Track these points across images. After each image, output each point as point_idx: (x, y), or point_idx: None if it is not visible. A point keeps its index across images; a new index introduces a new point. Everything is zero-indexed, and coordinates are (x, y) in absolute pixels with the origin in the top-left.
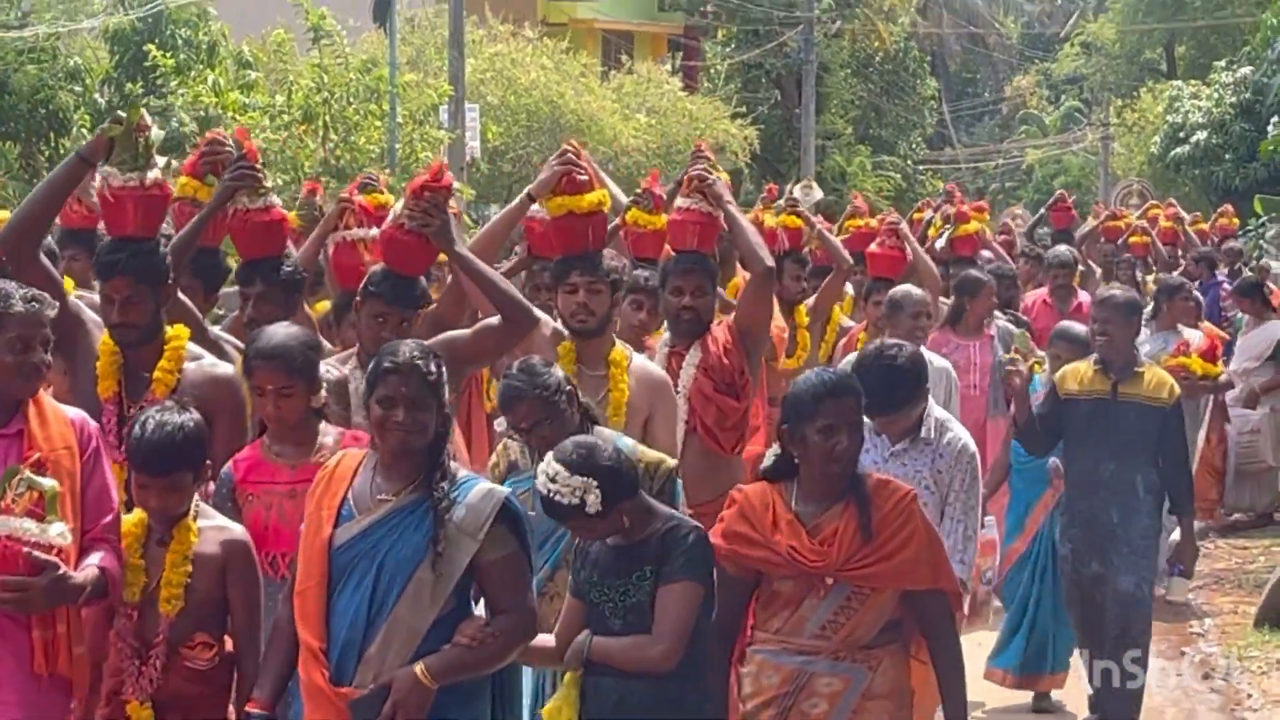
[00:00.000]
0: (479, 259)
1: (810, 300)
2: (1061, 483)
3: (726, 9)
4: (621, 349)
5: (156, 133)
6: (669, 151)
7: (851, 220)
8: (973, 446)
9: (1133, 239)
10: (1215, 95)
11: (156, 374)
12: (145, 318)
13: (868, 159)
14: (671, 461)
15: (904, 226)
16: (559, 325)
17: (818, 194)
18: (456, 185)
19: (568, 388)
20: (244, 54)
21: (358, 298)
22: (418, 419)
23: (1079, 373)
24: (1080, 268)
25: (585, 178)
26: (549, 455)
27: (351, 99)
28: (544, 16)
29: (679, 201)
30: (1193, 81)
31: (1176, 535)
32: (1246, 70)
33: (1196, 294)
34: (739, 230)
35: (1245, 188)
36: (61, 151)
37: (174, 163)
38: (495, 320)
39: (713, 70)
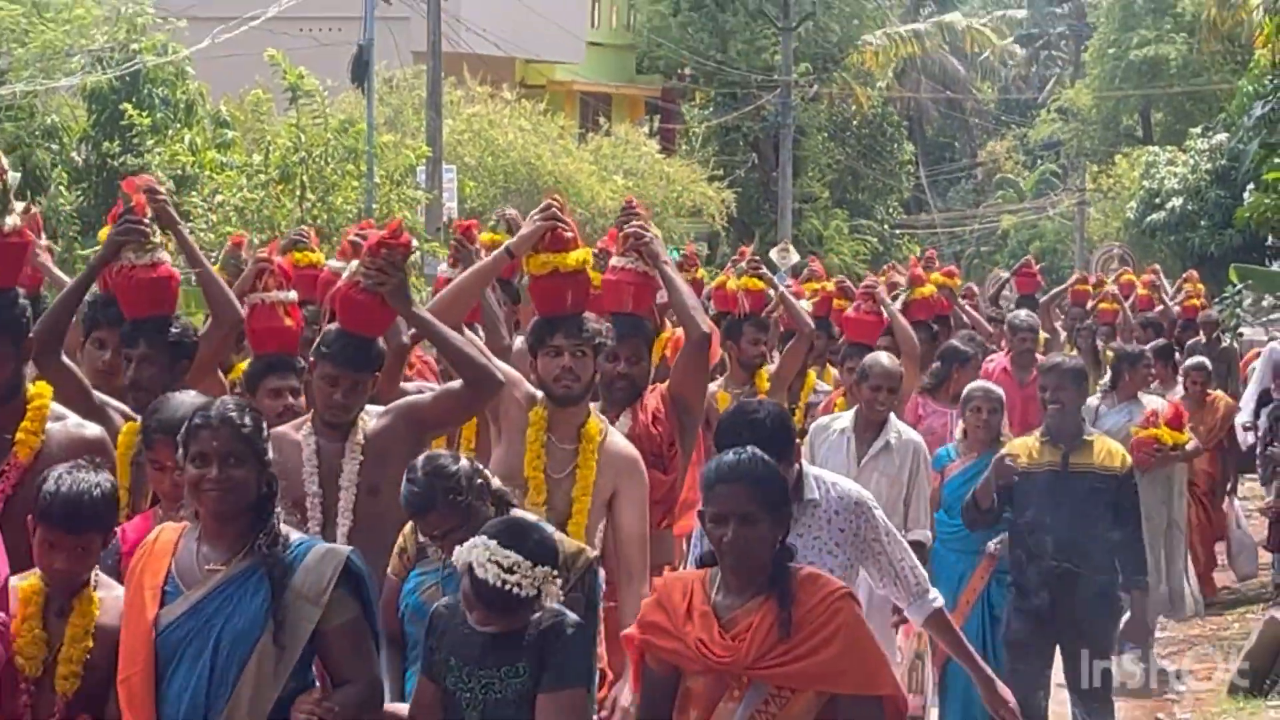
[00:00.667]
0: (446, 318)
1: (772, 366)
2: (993, 562)
3: (704, 72)
4: (596, 421)
5: (13, 175)
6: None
7: (809, 284)
8: (865, 494)
9: (1102, 304)
10: (1191, 162)
11: (19, 435)
12: (4, 374)
13: (844, 222)
14: (592, 552)
15: (881, 290)
16: (531, 389)
17: (794, 257)
18: (432, 245)
19: (479, 481)
20: (221, 113)
21: (311, 358)
22: (233, 475)
23: (1026, 446)
24: (1044, 334)
25: (571, 235)
26: (489, 541)
27: (329, 159)
28: (522, 78)
29: (614, 260)
30: (1169, 148)
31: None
32: (1222, 137)
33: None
34: (675, 292)
35: (1221, 254)
36: (39, 209)
37: (33, 208)
38: (457, 384)
39: (690, 133)
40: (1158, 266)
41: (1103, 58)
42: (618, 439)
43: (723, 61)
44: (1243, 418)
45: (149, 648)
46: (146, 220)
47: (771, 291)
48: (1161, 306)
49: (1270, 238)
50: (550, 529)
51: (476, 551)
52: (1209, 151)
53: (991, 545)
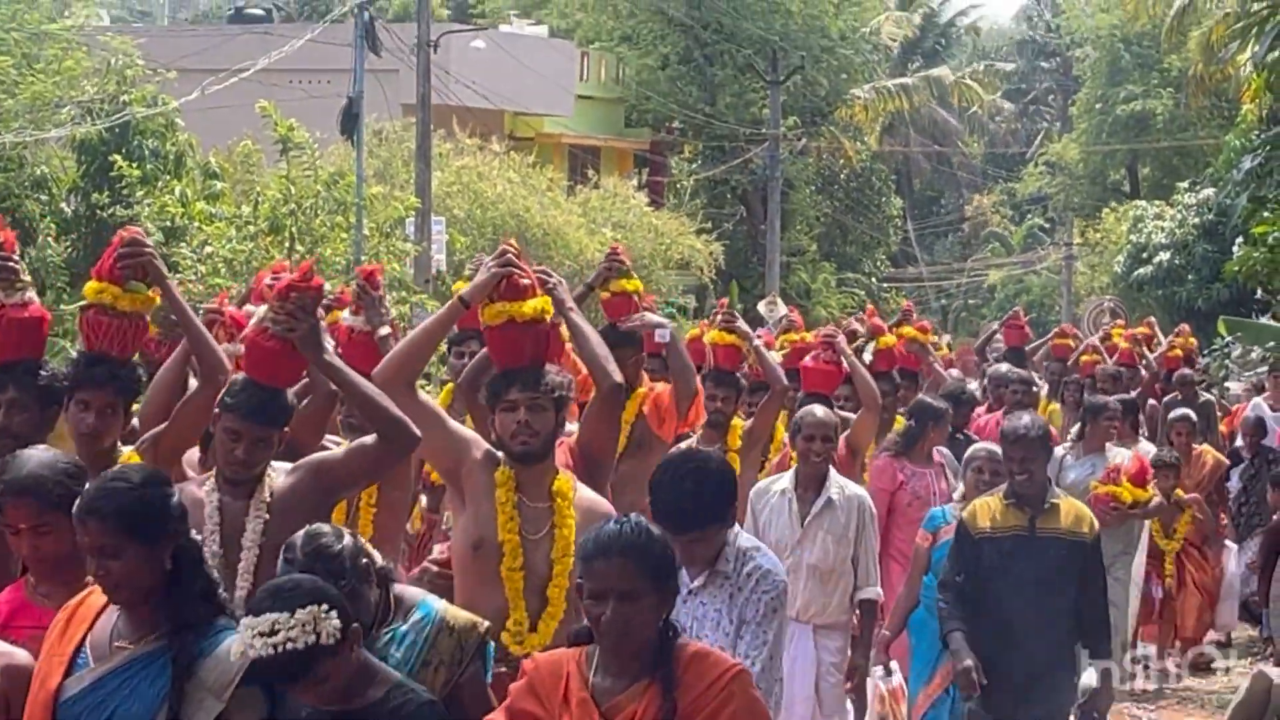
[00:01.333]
0: (400, 374)
1: (747, 423)
2: None
3: (693, 125)
4: (566, 477)
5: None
6: (635, 266)
7: (788, 335)
8: (779, 577)
9: (1084, 358)
10: (1178, 216)
11: None
12: None
13: (832, 275)
14: (485, 624)
15: (841, 340)
16: (491, 449)
17: (782, 310)
18: (420, 297)
19: (364, 560)
20: (211, 165)
21: (216, 409)
22: (111, 569)
23: (989, 508)
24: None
25: (527, 282)
26: (245, 619)
27: (318, 211)
28: (511, 130)
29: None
30: (1156, 202)
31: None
32: (1209, 192)
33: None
34: (582, 341)
35: (1208, 308)
36: (28, 260)
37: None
38: (370, 440)
39: (679, 185)
40: (1153, 319)
41: (1090, 112)
42: (588, 494)
43: (711, 115)
44: None
45: (47, 717)
46: (15, 258)
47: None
48: (1144, 360)
49: (1259, 291)
50: (342, 543)
51: (242, 636)
52: (1196, 206)
53: None
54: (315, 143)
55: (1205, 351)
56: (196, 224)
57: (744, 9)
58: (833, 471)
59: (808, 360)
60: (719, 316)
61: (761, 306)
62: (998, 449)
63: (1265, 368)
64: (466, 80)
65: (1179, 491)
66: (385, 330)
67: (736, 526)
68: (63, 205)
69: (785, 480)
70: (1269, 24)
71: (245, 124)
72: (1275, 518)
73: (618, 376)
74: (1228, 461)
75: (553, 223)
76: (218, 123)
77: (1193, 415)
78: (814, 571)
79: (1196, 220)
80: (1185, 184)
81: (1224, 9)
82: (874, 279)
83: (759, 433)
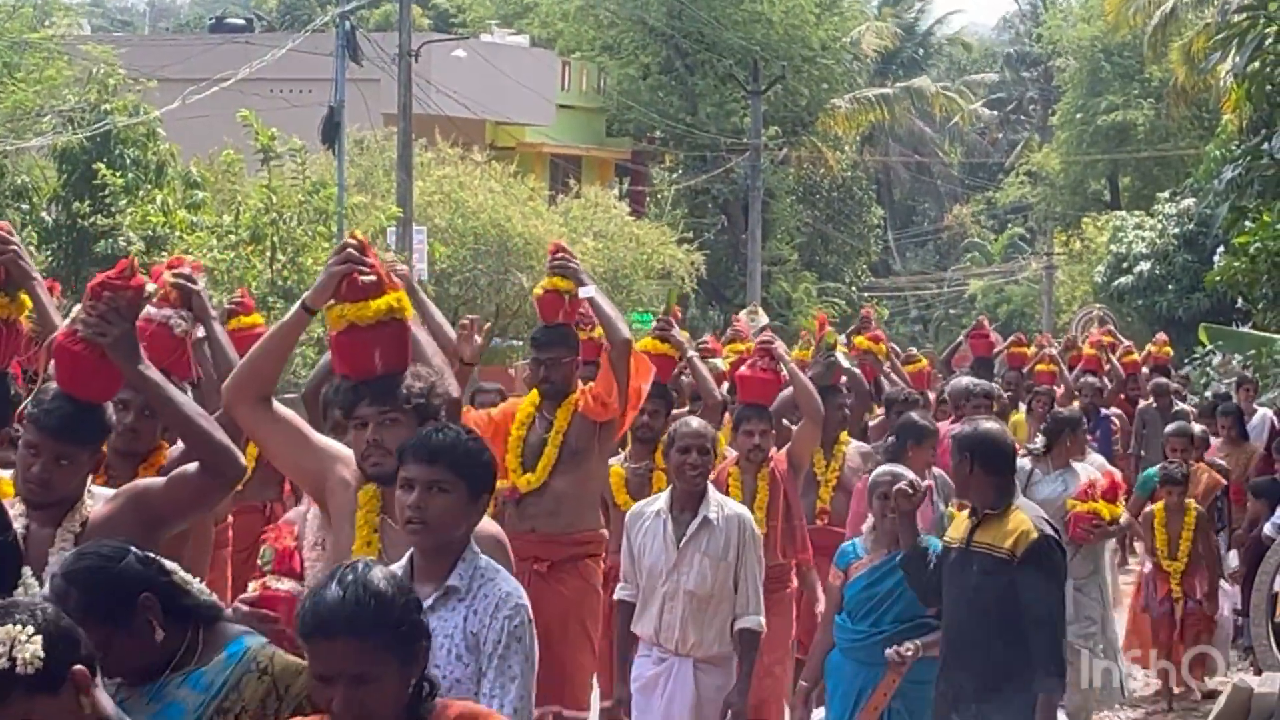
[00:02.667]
0: (248, 385)
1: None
2: (898, 675)
3: (674, 135)
4: None
5: None
6: (615, 275)
7: (733, 345)
8: (520, 600)
9: (1039, 366)
10: (1159, 226)
11: None
12: None
13: (813, 285)
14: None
15: (779, 347)
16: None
17: (763, 319)
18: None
19: (163, 578)
20: (192, 174)
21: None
22: None
23: (961, 518)
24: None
25: (372, 278)
26: None
27: (300, 220)
28: (492, 140)
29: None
30: (1136, 212)
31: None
32: (1190, 202)
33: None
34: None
35: (1189, 318)
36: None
37: None
38: (193, 468)
39: (660, 195)
40: (1111, 328)
41: (1071, 122)
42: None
43: (692, 124)
44: None
45: None
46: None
47: (713, 356)
48: (1110, 367)
49: (1240, 300)
50: (107, 574)
51: None
52: (1176, 216)
53: (893, 652)
54: (295, 152)
55: (1186, 360)
56: (178, 233)
57: (725, 19)
58: (711, 489)
59: (744, 369)
60: (655, 325)
61: (743, 315)
62: (903, 472)
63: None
64: (448, 90)
65: (1190, 501)
66: (202, 332)
67: (476, 546)
68: (44, 214)
69: (661, 500)
70: (1249, 35)
71: (226, 133)
72: (1257, 528)
73: (625, 333)
74: (1224, 481)
75: (534, 232)
76: (199, 132)
77: (1191, 429)
78: (691, 599)
79: (1177, 230)
80: (1166, 194)
81: (1204, 20)
82: (855, 288)
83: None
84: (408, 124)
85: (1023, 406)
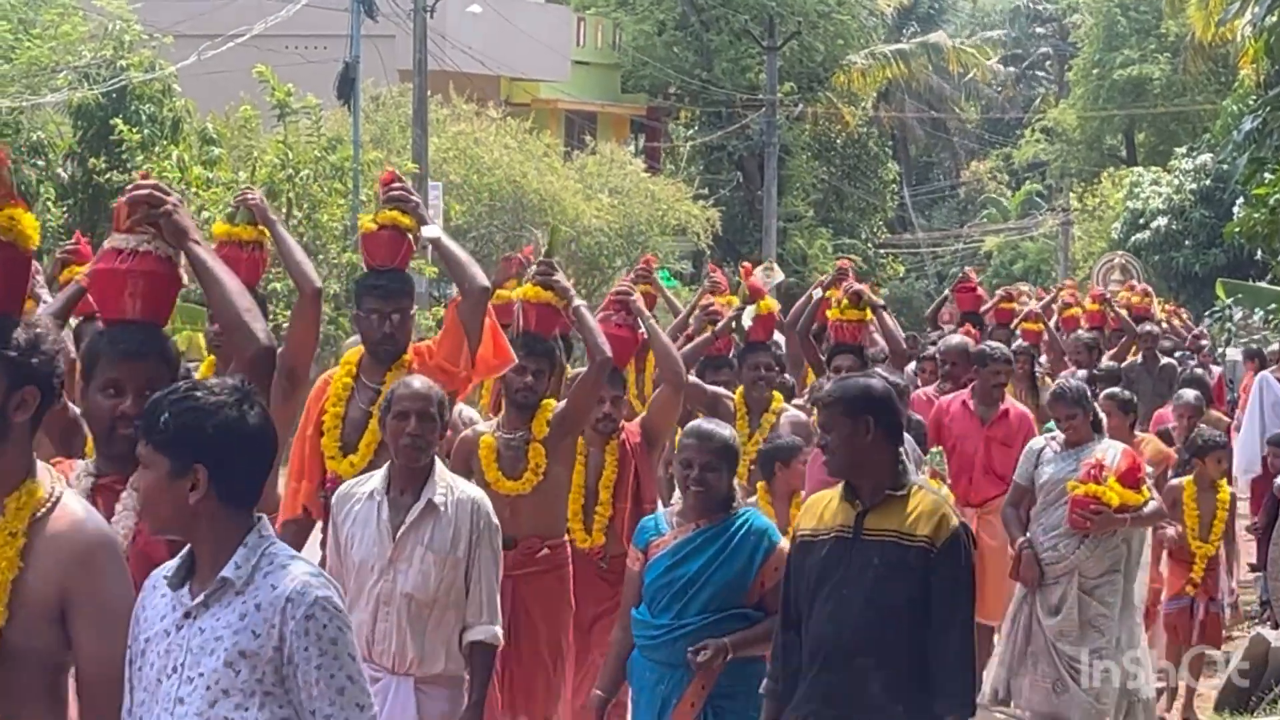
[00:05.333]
0: None
1: (560, 405)
2: (708, 681)
3: (689, 91)
4: (39, 485)
5: None
6: (631, 232)
7: (719, 298)
8: (321, 593)
9: (1025, 324)
10: (1175, 182)
11: None
12: None
13: (829, 241)
14: None
15: (637, 299)
16: None
17: (779, 276)
18: (418, 263)
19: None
20: (208, 130)
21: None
22: None
23: (821, 502)
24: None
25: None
26: None
27: (316, 176)
28: (507, 96)
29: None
30: (1153, 168)
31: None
32: (1206, 157)
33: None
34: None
35: (1205, 274)
36: None
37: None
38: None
39: (675, 151)
40: (1146, 287)
41: (1087, 77)
42: (75, 510)
43: (708, 80)
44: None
45: None
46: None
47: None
48: (1123, 322)
49: (1259, 253)
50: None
51: None
52: (1193, 171)
53: (691, 654)
54: (309, 109)
55: (1205, 314)
56: (194, 189)
57: None
58: (439, 465)
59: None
60: (533, 268)
61: (758, 272)
62: (719, 432)
63: (1267, 332)
64: (463, 45)
65: (1222, 483)
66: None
67: (268, 527)
68: (60, 171)
69: (376, 479)
70: None
71: (241, 89)
72: (1277, 480)
73: (265, 341)
74: (1173, 455)
75: (549, 189)
76: (214, 88)
77: (1196, 397)
78: (410, 603)
79: (1194, 186)
80: (1182, 149)
81: None
82: (870, 245)
83: (574, 417)
84: (423, 80)
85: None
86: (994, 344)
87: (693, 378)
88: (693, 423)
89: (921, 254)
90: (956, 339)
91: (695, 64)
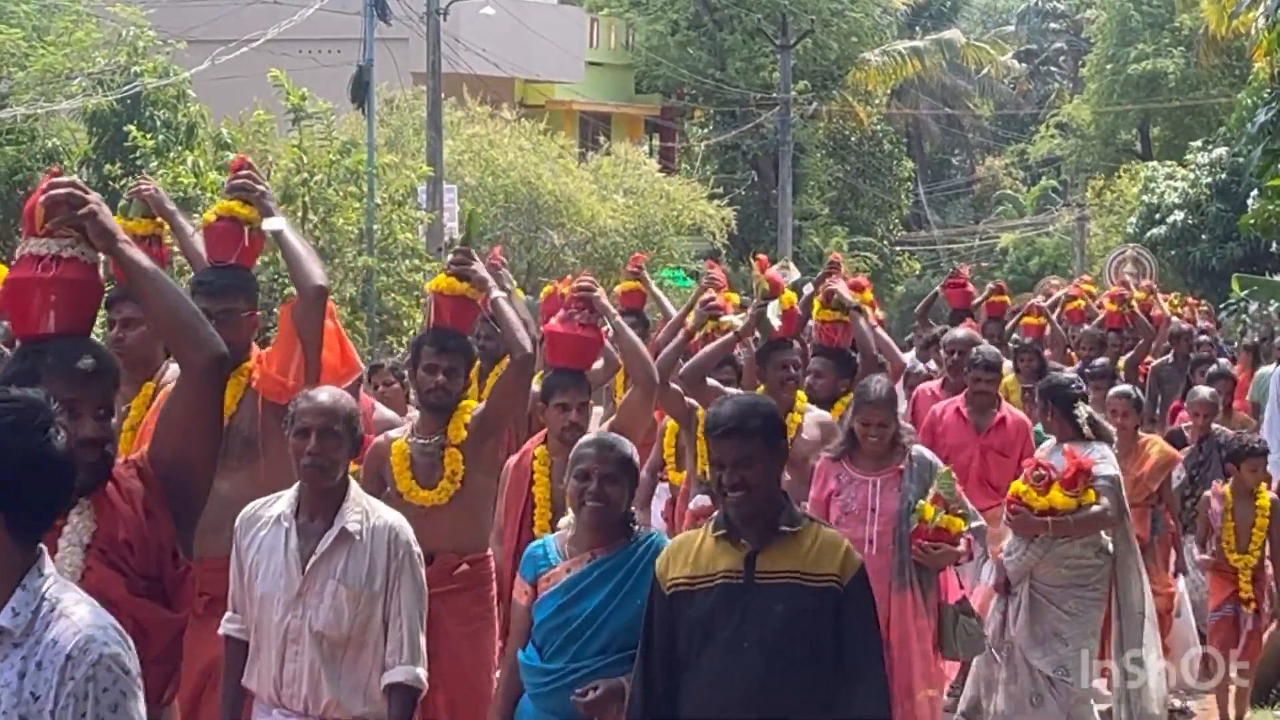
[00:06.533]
0: None
1: (479, 406)
2: None
3: (703, 90)
4: None
5: None
6: (646, 232)
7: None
8: (107, 649)
9: (1026, 319)
10: (1191, 176)
11: None
12: None
13: (844, 239)
14: None
15: (600, 295)
16: None
17: (795, 274)
18: (434, 265)
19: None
20: (223, 135)
21: None
22: None
23: (691, 544)
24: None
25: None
26: None
27: (331, 180)
28: (521, 98)
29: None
30: (1168, 162)
31: None
32: (1222, 151)
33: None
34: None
35: (1222, 268)
36: None
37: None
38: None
39: (690, 151)
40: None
41: (1101, 73)
42: None
43: (721, 80)
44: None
45: None
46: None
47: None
48: (1138, 321)
49: (1275, 245)
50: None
51: None
52: (1209, 165)
53: (577, 697)
54: (325, 115)
55: (1221, 308)
56: (209, 194)
57: None
58: (355, 488)
59: (555, 322)
60: (452, 257)
61: (774, 271)
62: (617, 444)
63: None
64: (476, 48)
65: (1262, 490)
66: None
67: (49, 564)
68: (75, 177)
69: (284, 502)
70: None
71: (255, 93)
72: None
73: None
74: (1178, 457)
75: (564, 190)
76: (228, 93)
77: (1133, 392)
78: (322, 642)
79: (1209, 180)
80: (1198, 143)
81: None
82: (886, 242)
83: (493, 419)
84: (437, 83)
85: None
86: (981, 349)
87: (675, 384)
88: (590, 435)
89: (938, 251)
90: (962, 332)
91: (709, 63)
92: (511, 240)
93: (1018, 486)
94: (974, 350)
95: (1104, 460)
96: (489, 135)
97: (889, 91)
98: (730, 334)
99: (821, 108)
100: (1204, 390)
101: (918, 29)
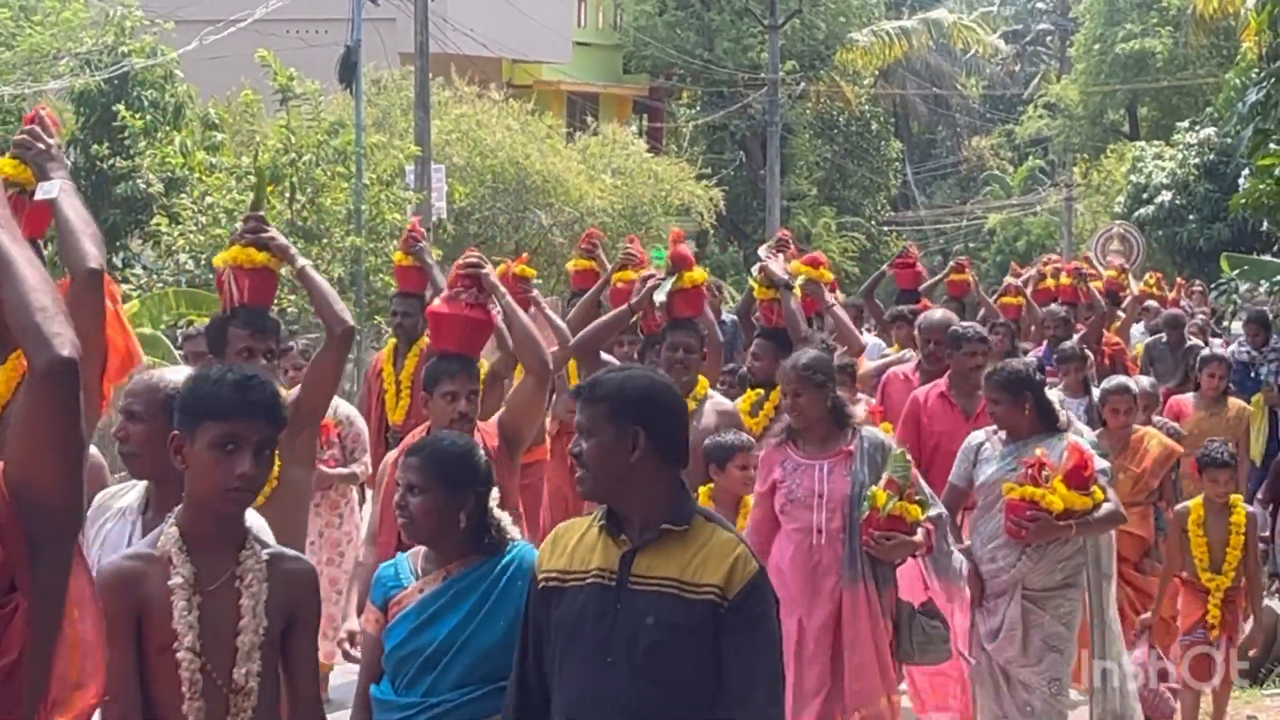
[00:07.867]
0: None
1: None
2: None
3: (691, 71)
4: None
5: None
6: (634, 212)
7: (622, 273)
8: None
9: (1004, 299)
10: (1179, 156)
11: None
12: None
13: (832, 220)
14: None
15: (490, 274)
16: None
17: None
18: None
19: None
20: (210, 115)
21: None
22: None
23: (573, 533)
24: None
25: None
26: None
27: (319, 160)
28: (509, 78)
29: None
30: (1156, 142)
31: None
32: (1209, 131)
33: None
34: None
35: (1210, 248)
36: None
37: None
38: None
39: (678, 132)
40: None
41: (1089, 53)
42: None
43: (709, 60)
44: None
45: None
46: None
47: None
48: (1091, 299)
49: (1265, 224)
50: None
51: None
52: (1197, 146)
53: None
54: (313, 95)
55: (1211, 287)
56: (197, 175)
57: None
58: None
59: (439, 303)
60: (243, 227)
61: (762, 251)
62: (456, 441)
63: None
64: (464, 28)
65: (1236, 503)
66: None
67: None
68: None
69: (134, 493)
70: None
71: (243, 74)
72: None
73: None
74: (1179, 450)
75: (552, 170)
76: (216, 73)
77: (1130, 384)
78: None
79: (1197, 160)
80: (1185, 124)
81: None
82: (874, 223)
83: (309, 407)
84: (425, 63)
85: None
86: (966, 324)
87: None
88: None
89: (925, 231)
90: (939, 314)
91: (697, 44)
92: (499, 220)
93: (1027, 490)
94: (960, 326)
95: (1094, 449)
96: (477, 115)
97: (877, 72)
98: (618, 311)
99: (809, 88)
100: (1144, 380)
101: (905, 9)
